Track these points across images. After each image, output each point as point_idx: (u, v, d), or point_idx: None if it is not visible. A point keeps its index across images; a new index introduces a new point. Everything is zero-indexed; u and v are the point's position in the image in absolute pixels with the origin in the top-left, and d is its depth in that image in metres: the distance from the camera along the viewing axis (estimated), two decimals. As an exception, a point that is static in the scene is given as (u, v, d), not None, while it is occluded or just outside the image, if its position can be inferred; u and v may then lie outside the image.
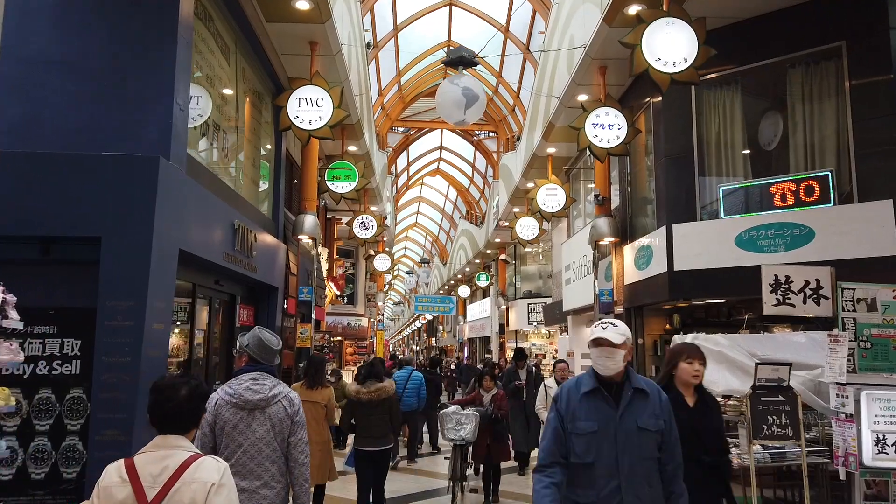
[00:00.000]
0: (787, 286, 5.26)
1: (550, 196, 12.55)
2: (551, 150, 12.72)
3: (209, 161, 7.03)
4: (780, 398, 4.96)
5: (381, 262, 21.25)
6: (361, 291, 22.18)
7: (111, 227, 4.95)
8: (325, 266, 15.29)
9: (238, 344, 3.45)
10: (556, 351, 23.40)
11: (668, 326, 9.67)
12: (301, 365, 9.42)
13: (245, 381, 3.24)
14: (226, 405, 3.18)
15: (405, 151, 24.52)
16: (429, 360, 13.66)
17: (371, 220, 15.41)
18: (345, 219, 16.25)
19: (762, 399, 4.99)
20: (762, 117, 8.18)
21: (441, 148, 26.01)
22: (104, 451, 4.71)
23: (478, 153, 24.27)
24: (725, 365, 6.31)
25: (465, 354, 28.72)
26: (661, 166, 8.49)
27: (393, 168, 22.67)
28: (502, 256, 23.29)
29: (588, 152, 10.13)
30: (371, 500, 5.87)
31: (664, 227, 8.19)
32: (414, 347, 55.12)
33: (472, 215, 28.06)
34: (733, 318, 9.24)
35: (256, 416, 3.18)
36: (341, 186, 11.18)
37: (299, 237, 9.51)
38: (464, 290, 30.57)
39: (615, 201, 10.27)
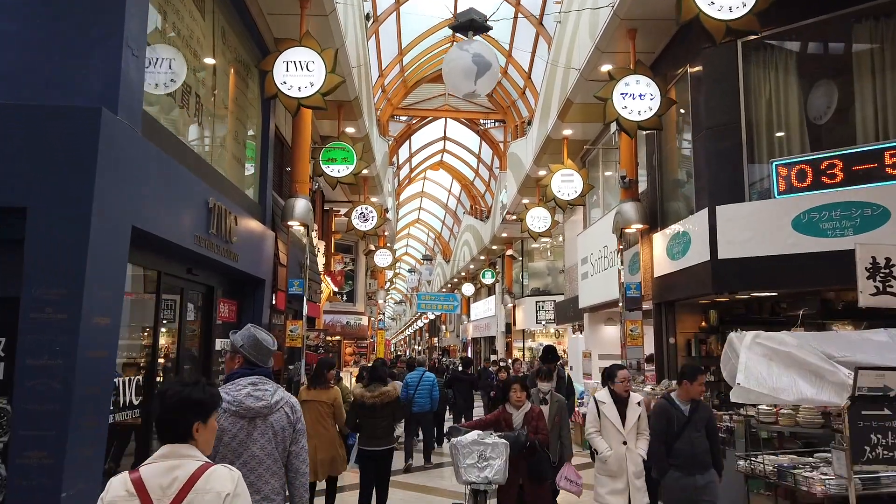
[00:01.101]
0: (887, 270, 4.21)
1: (566, 182, 11.51)
2: (567, 133, 11.67)
3: (179, 129, 5.99)
4: (887, 412, 3.91)
5: (381, 258, 20.21)
6: (361, 289, 21.15)
7: (39, 195, 3.93)
8: (321, 260, 14.27)
9: (230, 344, 3.12)
10: (564, 352, 22.39)
11: (703, 324, 8.62)
12: (291, 367, 8.40)
13: (244, 386, 2.95)
14: (224, 413, 2.86)
15: (407, 142, 23.44)
16: (461, 360, 13.39)
17: (371, 211, 14.37)
18: (343, 210, 15.21)
19: (862, 413, 3.95)
20: (821, 82, 7.13)
21: (445, 138, 24.89)
22: (29, 478, 3.71)
23: (483, 143, 23.18)
24: (795, 369, 5.24)
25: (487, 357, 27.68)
26: (702, 140, 7.44)
27: (394, 159, 21.62)
28: (509, 252, 22.24)
29: (613, 128, 9.10)
30: (375, 496, 6.07)
31: (705, 209, 7.14)
32: (416, 347, 54.08)
33: (477, 210, 27.00)
34: (780, 315, 8.19)
35: (257, 425, 2.92)
36: (337, 170, 10.13)
37: (289, 223, 8.47)
38: (468, 288, 29.51)
39: (641, 185, 9.21)
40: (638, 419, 5.02)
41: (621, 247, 8.86)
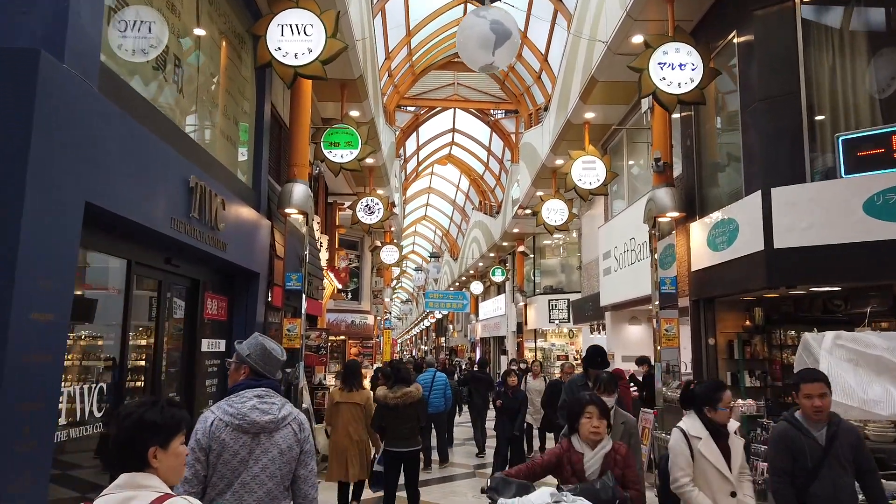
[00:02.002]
0: None
1: (588, 170, 10.62)
2: (589, 116, 10.79)
3: (155, 96, 5.16)
4: None
5: (388, 254, 19.36)
6: (367, 287, 20.31)
7: (-43, 158, 3.11)
8: (324, 255, 13.45)
9: (236, 354, 2.82)
10: (577, 353, 21.50)
11: (747, 323, 7.74)
12: (289, 371, 7.58)
13: (250, 398, 2.67)
14: (226, 427, 2.60)
15: (415, 134, 22.54)
16: (479, 361, 13.62)
17: (377, 203, 13.54)
18: (348, 203, 14.39)
19: None
20: (883, 51, 6.24)
21: (454, 130, 23.97)
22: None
23: (494, 135, 22.26)
24: (888, 376, 4.40)
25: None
26: (754, 115, 6.55)
27: (401, 151, 20.75)
28: (520, 249, 21.34)
29: (645, 106, 8.23)
30: (407, 498, 6.00)
31: (758, 192, 6.27)
32: (422, 347, 53.26)
33: (487, 206, 26.10)
34: (837, 313, 7.30)
35: (261, 442, 2.63)
36: (340, 155, 9.28)
37: (286, 211, 7.64)
38: (476, 287, 28.60)
39: (675, 171, 8.32)
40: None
41: (655, 234, 7.98)
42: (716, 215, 7.24)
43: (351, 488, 6.30)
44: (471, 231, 28.25)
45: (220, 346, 6.88)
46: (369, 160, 13.16)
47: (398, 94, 17.83)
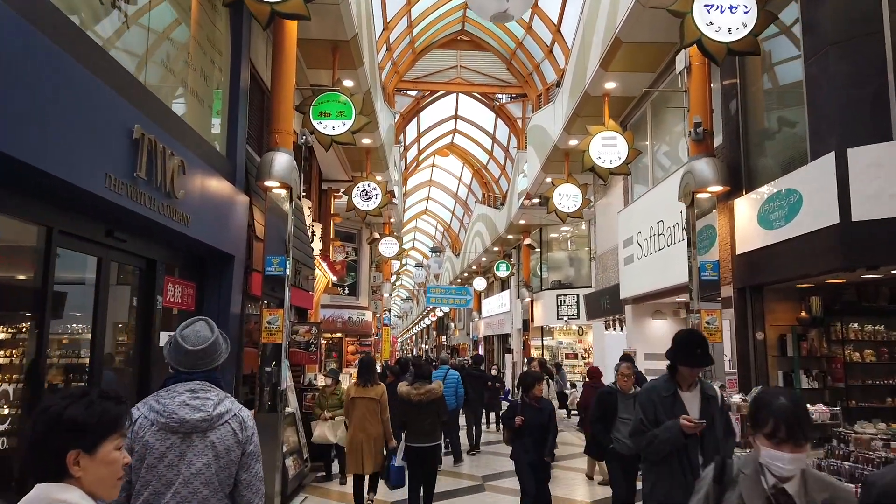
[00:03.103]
0: None
1: (608, 147, 9.52)
2: (610, 87, 9.71)
3: (86, 23, 4.07)
4: None
5: (387, 247, 18.29)
6: (365, 281, 19.24)
7: None
8: (317, 245, 12.38)
9: None
10: (585, 350, 20.41)
11: (803, 314, 6.67)
12: (268, 370, 6.51)
13: (181, 393, 2.29)
14: (151, 426, 2.24)
15: (415, 120, 21.40)
16: (474, 358, 12.96)
17: (375, 189, 12.46)
18: (344, 189, 13.30)
19: None
20: None
21: (456, 117, 22.80)
22: None
23: (499, 122, 21.12)
24: None
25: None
26: (823, 63, 5.47)
27: (401, 138, 19.64)
28: (526, 241, 20.23)
29: (680, 65, 7.15)
30: (422, 493, 6.07)
31: (829, 155, 5.19)
32: (423, 346, 52.19)
33: (491, 198, 25.01)
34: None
35: (194, 444, 2.25)
36: (332, 126, 8.17)
37: (266, 183, 6.57)
38: (479, 283, 27.50)
39: (715, 141, 7.24)
40: None
41: (693, 212, 6.91)
42: (769, 188, 6.16)
43: (366, 481, 6.56)
44: (473, 225, 27.17)
45: (186, 340, 5.81)
46: (366, 140, 12.11)
47: (397, 73, 16.71)
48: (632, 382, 5.67)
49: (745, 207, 6.64)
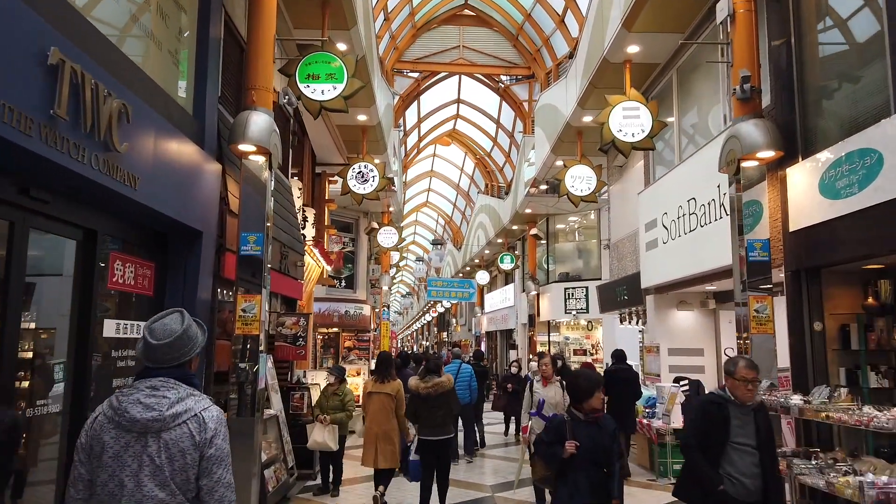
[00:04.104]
0: None
1: (630, 119, 8.55)
2: (632, 51, 8.73)
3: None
4: None
5: (385, 237, 17.32)
6: (362, 273, 18.29)
7: None
8: (310, 230, 11.43)
9: None
10: (594, 346, 19.45)
11: (870, 300, 5.69)
12: (242, 366, 5.57)
13: (140, 389, 2.22)
14: (108, 423, 2.18)
15: (416, 104, 20.35)
16: (474, 353, 12.67)
17: (371, 170, 11.53)
18: (339, 171, 12.33)
19: None
20: None
21: (458, 101, 21.74)
22: None
23: (504, 106, 20.07)
24: None
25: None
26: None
27: (400, 122, 18.63)
28: (533, 232, 19.24)
29: (723, 11, 6.17)
30: (436, 485, 6.23)
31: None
32: (423, 343, 51.23)
33: (494, 187, 24.00)
34: None
35: (149, 445, 2.15)
36: (321, 90, 7.19)
37: (240, 147, 5.61)
38: (482, 277, 26.49)
39: (764, 100, 6.27)
40: None
41: (739, 182, 5.95)
42: (837, 149, 5.19)
43: (379, 475, 6.57)
44: (476, 216, 26.17)
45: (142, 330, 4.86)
46: (362, 117, 11.16)
47: (396, 49, 15.70)
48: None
49: (803, 175, 5.67)
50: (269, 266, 5.82)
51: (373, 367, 17.80)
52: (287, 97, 6.41)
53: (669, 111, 9.21)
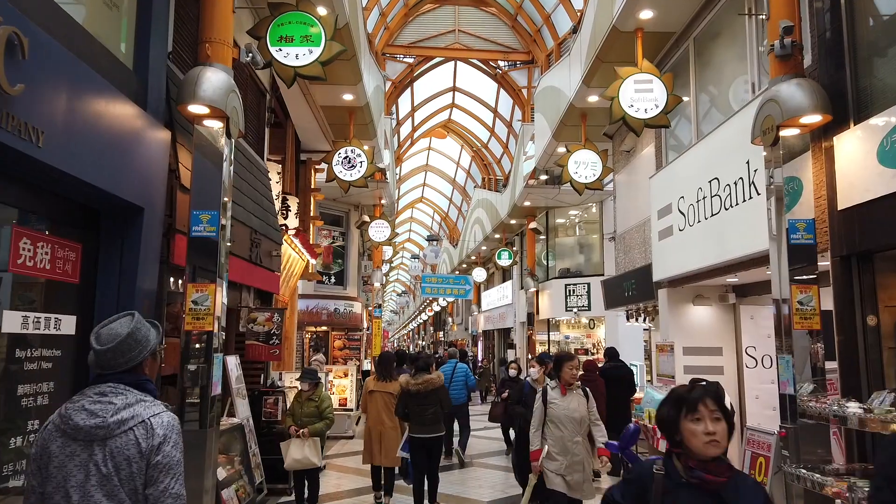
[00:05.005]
0: None
1: (642, 93, 7.71)
2: (645, 17, 7.88)
3: None
4: None
5: (377, 231, 16.45)
6: (353, 269, 17.46)
7: None
8: (293, 220, 10.58)
9: None
10: (595, 345, 18.61)
11: (934, 291, 4.84)
12: (192, 369, 4.69)
13: (88, 396, 2.16)
14: (55, 432, 2.12)
15: (409, 91, 19.46)
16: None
17: (359, 155, 10.70)
18: (324, 158, 11.45)
19: None
20: None
21: (454, 89, 20.86)
22: None
23: (501, 95, 19.20)
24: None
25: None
26: None
27: (393, 110, 17.76)
28: (532, 225, 18.40)
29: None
30: (427, 483, 6.35)
31: None
32: (419, 343, 50.37)
33: (492, 181, 23.13)
34: None
35: (95, 453, 2.08)
36: (295, 54, 6.31)
37: (191, 109, 4.73)
38: (479, 274, 25.64)
39: (806, 59, 5.42)
40: None
41: (776, 153, 5.09)
42: (901, 109, 4.33)
43: (382, 473, 6.75)
44: (473, 211, 25.32)
45: (63, 325, 3.99)
46: (348, 96, 10.30)
47: (388, 30, 14.83)
48: None
49: (855, 143, 4.81)
50: (226, 251, 4.95)
51: (365, 367, 16.92)
52: (251, 55, 5.52)
53: (686, 87, 8.36)
